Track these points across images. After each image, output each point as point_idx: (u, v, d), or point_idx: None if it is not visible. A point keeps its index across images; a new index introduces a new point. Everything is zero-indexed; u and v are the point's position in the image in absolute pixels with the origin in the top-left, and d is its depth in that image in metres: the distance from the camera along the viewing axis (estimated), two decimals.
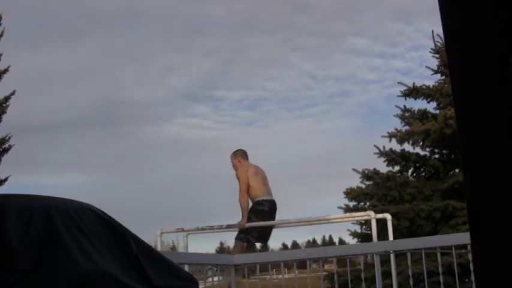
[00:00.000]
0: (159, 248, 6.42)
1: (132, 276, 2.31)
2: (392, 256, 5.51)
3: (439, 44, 11.86)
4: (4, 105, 17.46)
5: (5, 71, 17.63)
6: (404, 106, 12.18)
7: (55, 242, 2.16)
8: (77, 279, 2.12)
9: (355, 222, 11.28)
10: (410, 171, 12.05)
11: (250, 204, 6.43)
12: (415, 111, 12.09)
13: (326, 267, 13.07)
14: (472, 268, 3.97)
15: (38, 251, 2.11)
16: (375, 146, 11.87)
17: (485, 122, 0.94)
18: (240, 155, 6.39)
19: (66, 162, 62.34)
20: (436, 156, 11.91)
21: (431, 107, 12.08)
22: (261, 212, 6.31)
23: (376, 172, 11.77)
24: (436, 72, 12.28)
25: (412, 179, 11.86)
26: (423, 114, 11.94)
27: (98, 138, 70.83)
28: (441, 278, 4.75)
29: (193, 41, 73.34)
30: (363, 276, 5.13)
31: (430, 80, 12.36)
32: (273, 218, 6.42)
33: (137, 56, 72.82)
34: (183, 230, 6.99)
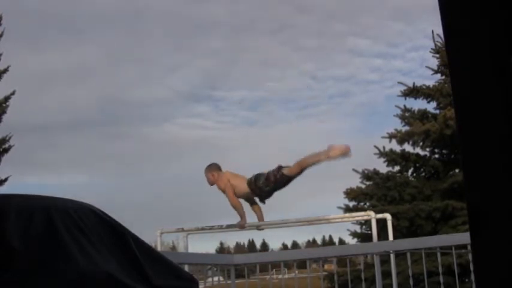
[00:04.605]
0: (159, 248, 6.42)
1: (132, 276, 2.31)
2: (392, 256, 5.50)
3: (439, 44, 11.87)
4: (4, 105, 17.43)
5: (5, 71, 17.61)
6: (405, 106, 12.19)
7: (55, 242, 2.15)
8: (77, 279, 2.12)
9: (355, 222, 11.29)
10: (410, 171, 12.05)
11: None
12: (415, 111, 12.10)
13: (326, 267, 13.07)
14: (472, 268, 3.97)
15: (38, 251, 2.10)
16: (375, 146, 11.89)
17: (485, 122, 0.94)
18: (214, 168, 6.36)
19: (66, 162, 62.40)
20: (436, 156, 11.91)
21: (431, 106, 12.11)
22: (267, 185, 6.07)
23: (376, 172, 11.77)
24: (436, 72, 12.29)
25: (412, 179, 11.86)
26: (423, 114, 11.94)
27: (98, 138, 70.92)
28: (441, 278, 4.75)
29: (194, 41, 73.46)
30: (363, 276, 5.13)
31: (430, 80, 12.39)
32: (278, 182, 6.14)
33: (138, 56, 72.93)
34: (183, 230, 6.98)
